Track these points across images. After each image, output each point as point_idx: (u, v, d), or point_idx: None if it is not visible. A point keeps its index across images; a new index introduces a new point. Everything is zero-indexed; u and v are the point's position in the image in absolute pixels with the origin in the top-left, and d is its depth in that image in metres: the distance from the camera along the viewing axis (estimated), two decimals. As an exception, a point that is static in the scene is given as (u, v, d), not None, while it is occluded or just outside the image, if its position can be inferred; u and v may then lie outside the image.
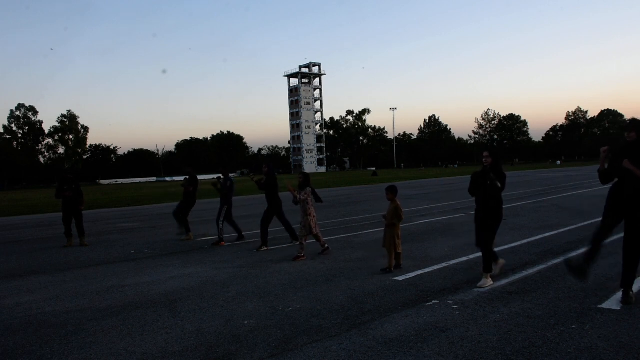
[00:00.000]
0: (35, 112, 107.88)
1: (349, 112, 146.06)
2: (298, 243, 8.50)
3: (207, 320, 5.10)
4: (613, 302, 5.05)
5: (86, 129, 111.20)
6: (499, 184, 5.83)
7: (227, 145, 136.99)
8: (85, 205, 11.76)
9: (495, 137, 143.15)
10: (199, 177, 12.13)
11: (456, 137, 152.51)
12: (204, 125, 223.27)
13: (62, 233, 11.41)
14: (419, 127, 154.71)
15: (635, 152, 4.95)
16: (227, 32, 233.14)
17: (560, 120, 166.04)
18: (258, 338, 4.49)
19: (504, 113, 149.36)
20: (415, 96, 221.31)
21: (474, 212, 6.24)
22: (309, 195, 8.39)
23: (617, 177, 5.11)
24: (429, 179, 44.57)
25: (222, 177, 10.80)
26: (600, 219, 5.27)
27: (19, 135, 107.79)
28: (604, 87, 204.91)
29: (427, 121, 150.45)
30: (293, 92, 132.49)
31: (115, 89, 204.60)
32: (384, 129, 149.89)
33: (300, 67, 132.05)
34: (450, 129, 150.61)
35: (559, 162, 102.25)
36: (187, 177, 11.82)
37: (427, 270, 6.94)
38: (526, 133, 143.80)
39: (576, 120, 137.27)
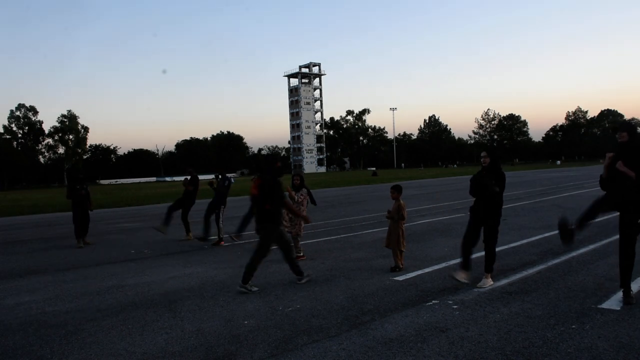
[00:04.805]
0: (35, 112, 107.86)
1: (349, 112, 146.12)
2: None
3: (207, 320, 5.11)
4: (613, 302, 5.05)
5: (86, 129, 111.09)
6: (497, 189, 5.77)
7: (227, 145, 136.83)
8: (93, 206, 11.76)
9: (495, 137, 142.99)
10: (200, 177, 12.12)
11: (456, 137, 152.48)
12: (204, 125, 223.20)
13: (64, 233, 11.42)
14: (419, 127, 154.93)
15: (627, 152, 4.99)
16: (227, 32, 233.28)
17: (560, 120, 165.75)
18: (258, 338, 4.49)
19: (504, 113, 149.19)
20: (415, 96, 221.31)
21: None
22: (306, 197, 8.39)
23: (617, 181, 5.11)
24: (429, 179, 44.56)
25: (220, 176, 10.84)
26: (599, 219, 5.28)
27: (19, 135, 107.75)
28: (604, 87, 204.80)
29: (427, 121, 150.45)
30: (293, 92, 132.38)
31: (116, 89, 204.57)
32: (384, 129, 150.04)
33: (300, 67, 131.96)
34: (450, 129, 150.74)
35: (559, 162, 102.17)
36: (189, 177, 11.82)
37: (427, 270, 6.94)
38: (526, 133, 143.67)
39: (576, 120, 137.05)
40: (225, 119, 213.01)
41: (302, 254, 8.19)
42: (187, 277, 7.25)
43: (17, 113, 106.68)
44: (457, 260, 7.49)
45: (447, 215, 13.83)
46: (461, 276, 5.87)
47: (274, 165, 6.33)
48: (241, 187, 35.28)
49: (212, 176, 11.36)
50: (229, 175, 11.24)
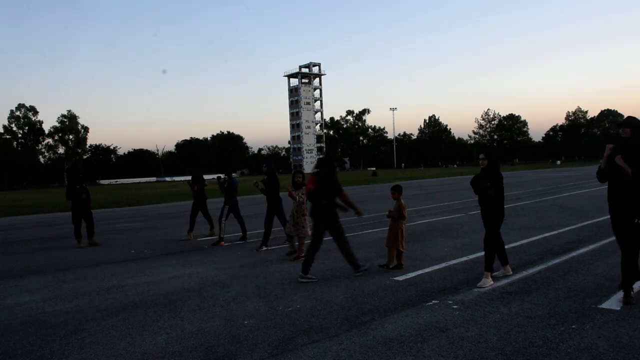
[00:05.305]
0: (35, 112, 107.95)
1: (349, 112, 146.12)
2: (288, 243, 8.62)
3: (207, 320, 5.10)
4: (613, 302, 5.05)
5: (86, 129, 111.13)
6: (492, 192, 5.85)
7: (227, 145, 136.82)
8: (92, 204, 11.71)
9: (495, 137, 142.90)
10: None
11: (456, 137, 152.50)
12: (204, 125, 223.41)
13: (64, 233, 11.39)
14: (419, 127, 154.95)
15: (629, 148, 4.96)
16: (227, 32, 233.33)
17: (560, 120, 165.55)
18: (258, 338, 4.49)
19: (504, 113, 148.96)
20: (415, 96, 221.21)
21: (477, 212, 6.25)
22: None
23: (614, 176, 5.09)
24: (429, 178, 44.56)
25: (223, 176, 10.86)
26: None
27: (19, 135, 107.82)
28: (604, 87, 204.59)
29: (427, 121, 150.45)
30: (293, 92, 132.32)
31: (115, 88, 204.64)
32: (384, 129, 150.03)
33: (300, 67, 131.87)
34: (450, 129, 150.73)
35: (559, 162, 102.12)
36: (190, 177, 11.83)
37: (427, 270, 6.94)
38: (526, 133, 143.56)
39: (576, 120, 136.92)
40: (225, 119, 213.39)
41: (302, 254, 8.19)
42: (187, 277, 7.25)
43: (17, 113, 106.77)
44: (457, 261, 7.51)
45: (447, 215, 13.83)
46: (506, 270, 6.44)
47: (331, 163, 7.13)
48: (241, 188, 35.30)
49: (213, 176, 11.39)
50: (233, 175, 11.31)
